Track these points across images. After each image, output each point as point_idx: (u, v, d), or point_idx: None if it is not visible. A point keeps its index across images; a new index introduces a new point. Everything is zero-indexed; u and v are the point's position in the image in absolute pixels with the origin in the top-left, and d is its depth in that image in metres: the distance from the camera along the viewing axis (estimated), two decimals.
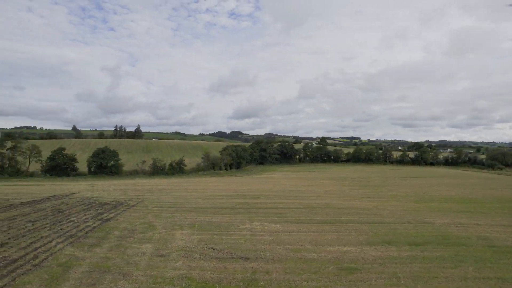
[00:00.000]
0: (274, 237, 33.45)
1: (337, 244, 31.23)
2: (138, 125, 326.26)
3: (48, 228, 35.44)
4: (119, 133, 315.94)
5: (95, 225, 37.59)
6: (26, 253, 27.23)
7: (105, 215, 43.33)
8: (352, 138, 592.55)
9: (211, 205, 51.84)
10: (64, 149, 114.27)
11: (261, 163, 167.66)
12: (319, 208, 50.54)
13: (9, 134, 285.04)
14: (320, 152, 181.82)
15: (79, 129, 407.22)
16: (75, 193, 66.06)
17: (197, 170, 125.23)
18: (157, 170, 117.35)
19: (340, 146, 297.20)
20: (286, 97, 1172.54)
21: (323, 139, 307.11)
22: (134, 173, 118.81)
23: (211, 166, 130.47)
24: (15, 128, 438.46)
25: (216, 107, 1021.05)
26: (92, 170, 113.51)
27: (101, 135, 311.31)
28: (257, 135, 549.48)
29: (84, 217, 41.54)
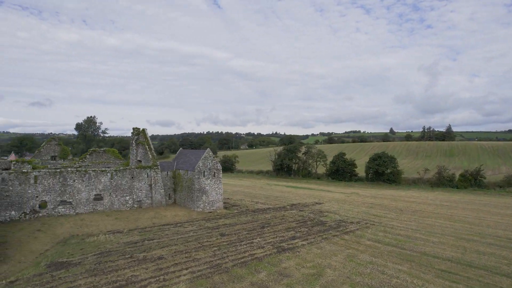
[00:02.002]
0: None
1: None
2: (449, 125, 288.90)
3: (217, 248, 33.04)
4: (427, 134, 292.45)
5: (262, 255, 31.43)
6: (146, 278, 25.33)
7: (295, 241, 36.18)
8: None
9: (455, 255, 32.08)
10: (344, 154, 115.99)
11: None
12: None
13: (331, 139, 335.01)
14: None
15: (395, 131, 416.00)
16: (318, 203, 62.87)
17: (504, 185, 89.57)
18: (443, 181, 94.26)
19: None
20: None
21: None
22: (417, 182, 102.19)
23: None
24: (345, 132, 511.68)
25: None
26: (369, 176, 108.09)
27: (408, 137, 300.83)
28: None
29: (271, 240, 36.38)
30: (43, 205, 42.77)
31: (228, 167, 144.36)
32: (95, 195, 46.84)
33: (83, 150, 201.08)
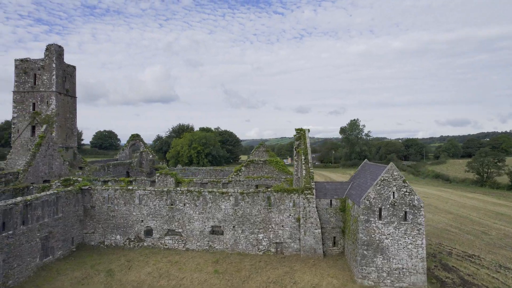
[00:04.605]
0: None
1: None
2: None
3: None
4: None
5: None
6: None
7: None
8: None
9: None
10: None
11: None
12: None
13: None
14: None
15: None
16: None
17: None
18: None
19: None
20: None
21: None
22: None
23: None
24: None
25: None
26: None
27: None
28: None
29: None
30: (149, 232, 33.60)
31: None
32: (212, 226, 33.00)
33: (346, 154, 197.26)
